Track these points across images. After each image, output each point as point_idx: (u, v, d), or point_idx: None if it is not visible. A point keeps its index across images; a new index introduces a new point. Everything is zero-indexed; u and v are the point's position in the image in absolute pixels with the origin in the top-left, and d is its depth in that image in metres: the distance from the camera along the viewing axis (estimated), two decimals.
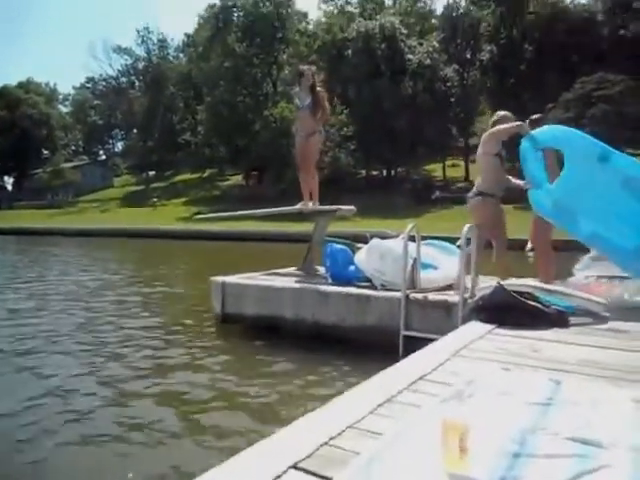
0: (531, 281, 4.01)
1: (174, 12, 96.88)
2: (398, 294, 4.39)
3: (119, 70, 55.91)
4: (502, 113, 4.73)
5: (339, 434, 1.57)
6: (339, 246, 5.42)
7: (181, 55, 56.21)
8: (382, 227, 16.83)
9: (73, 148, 69.25)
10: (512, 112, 4.78)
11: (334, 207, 6.47)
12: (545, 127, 4.30)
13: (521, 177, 4.51)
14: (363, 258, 4.97)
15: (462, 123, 38.76)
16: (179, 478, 2.52)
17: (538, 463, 1.35)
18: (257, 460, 1.40)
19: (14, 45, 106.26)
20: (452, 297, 4.26)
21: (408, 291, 4.41)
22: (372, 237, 5.19)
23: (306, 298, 4.99)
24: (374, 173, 40.94)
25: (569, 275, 4.60)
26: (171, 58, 56.29)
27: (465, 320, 3.65)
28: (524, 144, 4.17)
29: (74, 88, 67.33)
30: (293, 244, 12.37)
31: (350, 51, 36.84)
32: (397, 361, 2.47)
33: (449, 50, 37.97)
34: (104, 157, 68.35)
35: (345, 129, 34.51)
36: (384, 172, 40.56)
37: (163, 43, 55.21)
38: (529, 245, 5.15)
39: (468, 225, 4.21)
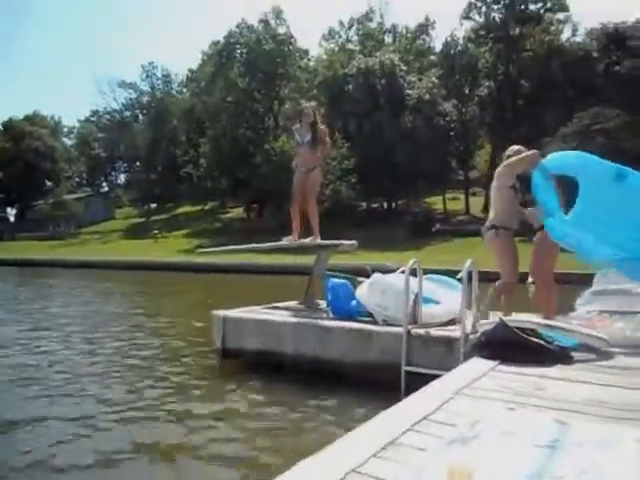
0: (534, 317, 4.00)
1: (178, 48, 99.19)
2: (400, 329, 4.36)
3: (123, 104, 56.81)
4: (516, 147, 4.72)
5: None
6: (340, 280, 5.41)
7: (184, 90, 57.24)
8: (382, 260, 16.86)
9: (77, 180, 69.77)
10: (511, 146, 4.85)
11: (336, 242, 6.48)
12: (555, 154, 4.24)
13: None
14: (365, 293, 4.94)
15: (462, 157, 39.28)
16: None
17: None
18: None
19: (21, 78, 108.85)
20: (454, 332, 4.23)
21: (410, 326, 4.38)
22: (373, 271, 5.18)
23: (307, 333, 4.94)
24: (374, 206, 41.16)
25: (571, 310, 4.58)
26: (175, 92, 57.35)
27: (467, 356, 3.62)
28: (536, 174, 4.16)
29: (79, 121, 68.36)
30: (291, 276, 12.39)
31: (351, 86, 37.38)
32: (399, 397, 2.44)
33: (448, 85, 38.63)
34: (107, 189, 68.95)
35: (346, 162, 34.81)
36: (385, 205, 40.83)
37: (167, 78, 56.45)
38: (530, 279, 5.13)
39: (470, 260, 4.22)
